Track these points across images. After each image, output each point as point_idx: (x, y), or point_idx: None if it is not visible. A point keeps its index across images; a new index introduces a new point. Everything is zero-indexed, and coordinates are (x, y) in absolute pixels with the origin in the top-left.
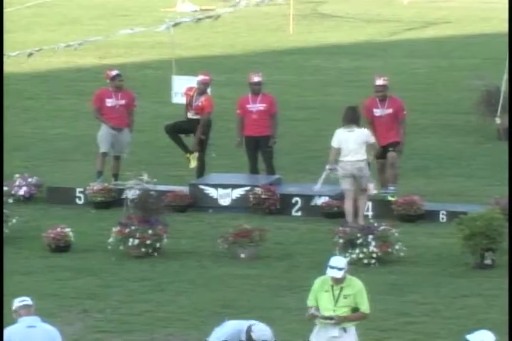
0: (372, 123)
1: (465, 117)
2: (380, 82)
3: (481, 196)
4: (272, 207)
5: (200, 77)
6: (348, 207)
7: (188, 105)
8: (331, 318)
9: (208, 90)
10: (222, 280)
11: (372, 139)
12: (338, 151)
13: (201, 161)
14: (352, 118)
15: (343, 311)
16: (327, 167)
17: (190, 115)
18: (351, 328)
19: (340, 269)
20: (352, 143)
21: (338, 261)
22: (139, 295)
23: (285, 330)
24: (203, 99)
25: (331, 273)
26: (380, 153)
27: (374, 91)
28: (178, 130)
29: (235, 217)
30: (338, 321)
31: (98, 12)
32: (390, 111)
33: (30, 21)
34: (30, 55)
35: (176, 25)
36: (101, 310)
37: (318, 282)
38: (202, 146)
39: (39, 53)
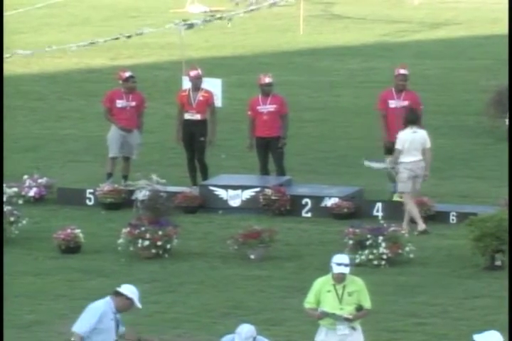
0: (385, 117)
1: (476, 118)
2: (403, 71)
3: (492, 197)
4: (282, 208)
5: (192, 73)
6: (414, 206)
7: (186, 105)
8: (348, 319)
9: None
10: (231, 281)
11: (428, 144)
12: (402, 153)
13: (202, 163)
14: (412, 119)
15: (349, 309)
16: (388, 161)
17: (188, 116)
18: (358, 326)
19: (346, 265)
20: (416, 144)
21: (343, 258)
22: (148, 296)
23: (295, 332)
24: (202, 93)
25: (338, 269)
26: (390, 149)
27: (397, 81)
28: (190, 145)
29: (245, 218)
30: (353, 320)
31: (108, 13)
32: (405, 103)
33: (41, 22)
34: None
35: (189, 27)
36: None
37: (319, 283)
38: (202, 148)
39: (49, 54)
